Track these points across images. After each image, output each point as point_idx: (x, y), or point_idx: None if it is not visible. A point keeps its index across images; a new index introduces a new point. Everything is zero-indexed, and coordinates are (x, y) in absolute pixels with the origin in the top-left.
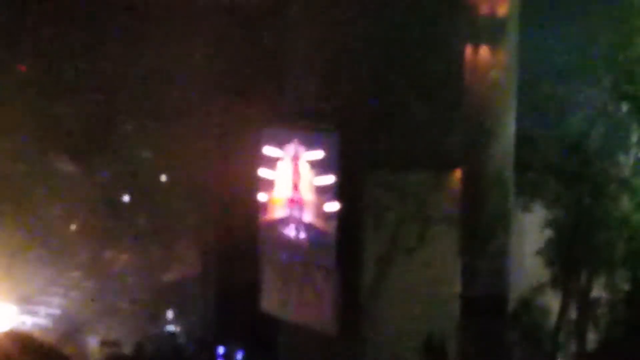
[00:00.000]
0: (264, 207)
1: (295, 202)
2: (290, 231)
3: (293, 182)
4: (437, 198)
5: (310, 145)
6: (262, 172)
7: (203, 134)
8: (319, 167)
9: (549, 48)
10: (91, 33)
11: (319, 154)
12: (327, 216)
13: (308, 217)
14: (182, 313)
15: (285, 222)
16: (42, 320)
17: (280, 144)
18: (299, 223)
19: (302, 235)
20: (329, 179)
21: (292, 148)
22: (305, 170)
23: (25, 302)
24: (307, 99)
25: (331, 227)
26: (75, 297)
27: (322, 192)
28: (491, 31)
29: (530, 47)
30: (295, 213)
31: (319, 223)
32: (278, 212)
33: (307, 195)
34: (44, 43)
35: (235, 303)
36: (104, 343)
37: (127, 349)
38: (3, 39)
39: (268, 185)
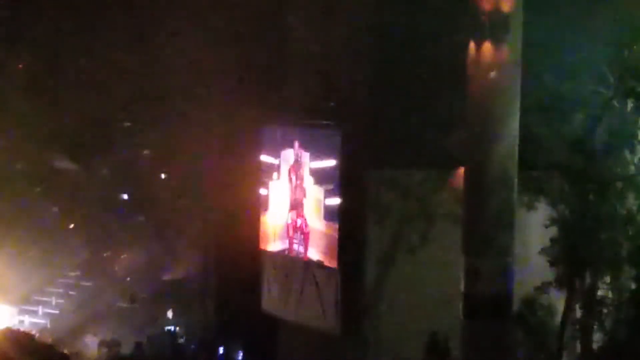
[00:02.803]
0: (259, 230)
1: (296, 230)
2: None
3: (293, 201)
4: (440, 196)
5: (311, 144)
6: (261, 178)
7: (203, 131)
8: (324, 174)
9: (553, 44)
10: (91, 29)
11: (322, 162)
12: (335, 251)
13: (313, 253)
14: (182, 313)
15: (284, 257)
16: (40, 320)
17: (280, 144)
18: (302, 266)
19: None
20: (336, 200)
21: (292, 152)
22: (309, 183)
23: (24, 301)
24: (308, 96)
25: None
26: (74, 297)
27: (330, 215)
28: (495, 28)
29: (534, 44)
30: (297, 245)
31: (327, 259)
32: (275, 244)
33: (311, 217)
34: (43, 39)
35: (236, 303)
36: (103, 343)
37: (126, 349)
38: (2, 35)
39: (265, 200)
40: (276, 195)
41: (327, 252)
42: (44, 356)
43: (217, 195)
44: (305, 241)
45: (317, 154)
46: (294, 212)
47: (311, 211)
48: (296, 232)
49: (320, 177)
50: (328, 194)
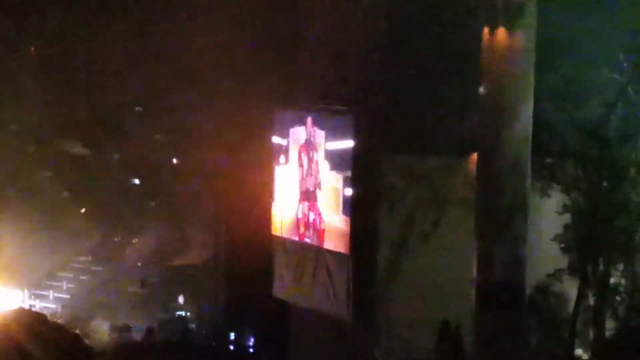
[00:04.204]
0: (271, 215)
1: (308, 226)
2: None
3: (304, 190)
4: (453, 183)
5: (326, 125)
6: (273, 166)
7: (215, 117)
8: (342, 158)
9: (568, 31)
10: (102, 15)
11: (340, 142)
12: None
13: (328, 243)
14: (194, 298)
15: (295, 243)
16: (51, 305)
17: (290, 122)
18: (314, 252)
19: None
20: (349, 191)
21: (303, 130)
22: (324, 169)
23: (35, 286)
24: (321, 81)
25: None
26: (85, 281)
27: (345, 205)
28: (510, 14)
29: (549, 30)
30: (309, 237)
31: (340, 246)
32: (286, 234)
33: (326, 211)
34: (55, 27)
35: (247, 289)
36: (113, 328)
37: (137, 334)
38: (16, 23)
39: (275, 189)
40: (283, 183)
41: (338, 244)
42: (55, 336)
43: (228, 180)
44: (319, 240)
45: (333, 134)
46: (305, 204)
47: (326, 203)
48: (308, 229)
49: (338, 161)
50: (347, 182)
